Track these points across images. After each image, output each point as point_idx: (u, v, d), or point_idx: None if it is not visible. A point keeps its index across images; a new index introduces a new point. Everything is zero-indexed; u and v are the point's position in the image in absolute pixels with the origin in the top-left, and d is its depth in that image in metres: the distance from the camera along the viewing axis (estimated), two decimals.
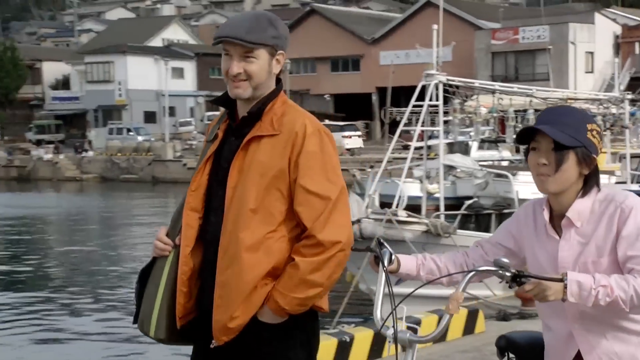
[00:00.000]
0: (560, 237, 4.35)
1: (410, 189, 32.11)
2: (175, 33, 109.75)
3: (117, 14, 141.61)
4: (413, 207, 26.68)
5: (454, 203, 30.68)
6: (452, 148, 41.41)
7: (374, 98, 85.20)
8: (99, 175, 76.41)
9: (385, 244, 4.39)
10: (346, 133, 75.94)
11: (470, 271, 4.20)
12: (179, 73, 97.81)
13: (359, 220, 28.61)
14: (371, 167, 40.35)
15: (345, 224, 4.47)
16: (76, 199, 67.01)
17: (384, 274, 4.31)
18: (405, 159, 28.75)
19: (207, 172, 4.59)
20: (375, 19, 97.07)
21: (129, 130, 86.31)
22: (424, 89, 24.65)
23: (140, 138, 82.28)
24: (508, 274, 3.96)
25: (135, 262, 35.34)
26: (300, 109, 4.68)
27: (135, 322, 4.60)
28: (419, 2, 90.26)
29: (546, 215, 4.38)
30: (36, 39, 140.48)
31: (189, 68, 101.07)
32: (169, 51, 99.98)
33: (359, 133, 74.50)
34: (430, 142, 33.98)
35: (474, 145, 45.71)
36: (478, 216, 28.50)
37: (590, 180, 4.30)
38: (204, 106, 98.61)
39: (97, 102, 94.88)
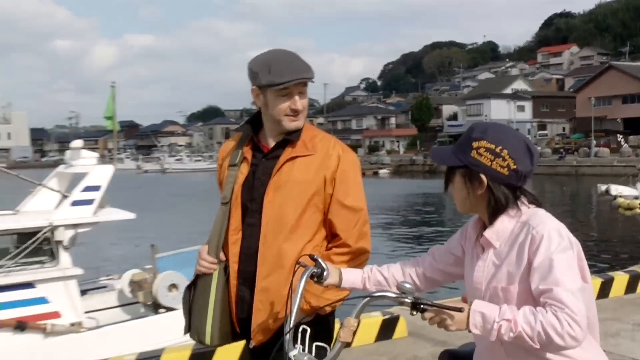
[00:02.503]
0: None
1: None
2: (519, 85, 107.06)
3: (485, 75, 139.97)
4: None
5: None
6: None
7: None
8: None
9: (320, 260, 2.94)
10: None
11: (366, 296, 2.66)
12: (521, 108, 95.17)
13: None
14: None
15: (369, 234, 3.32)
16: None
17: (300, 290, 2.84)
18: None
19: (240, 193, 3.30)
20: None
21: None
22: None
23: None
24: (408, 300, 2.50)
25: None
26: (324, 131, 3.45)
27: (186, 332, 3.39)
28: None
29: (475, 231, 2.78)
30: (439, 92, 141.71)
31: (527, 105, 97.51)
32: (515, 95, 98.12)
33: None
34: None
35: None
36: None
37: (494, 201, 2.61)
38: (537, 128, 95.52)
39: None
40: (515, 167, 2.55)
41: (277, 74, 3.13)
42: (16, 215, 10.73)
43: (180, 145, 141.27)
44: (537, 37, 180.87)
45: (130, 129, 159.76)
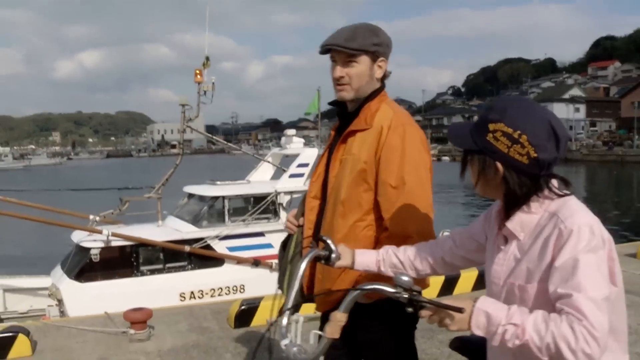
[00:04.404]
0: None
1: None
2: (575, 91, 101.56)
3: (547, 84, 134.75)
4: None
5: None
6: None
7: None
8: None
9: (329, 241, 2.19)
10: None
11: (356, 289, 1.89)
12: (577, 110, 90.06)
13: None
14: None
15: (418, 215, 2.35)
16: None
17: (299, 274, 2.10)
18: None
19: (324, 164, 2.59)
20: None
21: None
22: None
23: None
24: (404, 296, 1.75)
25: None
26: (396, 106, 2.53)
27: (279, 287, 2.61)
28: None
29: (497, 220, 1.88)
30: None
31: (582, 108, 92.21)
32: (572, 100, 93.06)
33: None
34: None
35: None
36: None
37: (511, 192, 1.76)
38: (589, 125, 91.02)
39: None
40: (535, 155, 1.69)
41: None
42: (250, 184, 11.11)
43: (312, 137, 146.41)
44: (588, 54, 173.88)
45: (274, 124, 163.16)
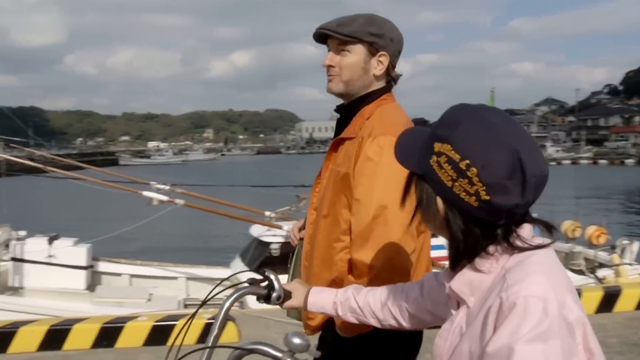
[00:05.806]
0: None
1: None
2: None
3: None
4: None
5: None
6: None
7: None
8: None
9: (271, 276, 1.73)
10: None
11: (237, 348, 1.52)
12: None
13: None
14: None
15: (387, 243, 1.90)
16: None
17: (221, 314, 1.63)
18: None
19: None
20: None
21: None
22: None
23: None
24: None
25: None
26: (391, 112, 2.09)
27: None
28: None
29: (447, 279, 1.24)
30: None
31: None
32: None
33: None
34: None
35: None
36: None
37: (453, 240, 1.18)
38: None
39: None
40: (487, 198, 1.13)
41: None
42: None
43: None
44: None
45: (421, 123, 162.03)
